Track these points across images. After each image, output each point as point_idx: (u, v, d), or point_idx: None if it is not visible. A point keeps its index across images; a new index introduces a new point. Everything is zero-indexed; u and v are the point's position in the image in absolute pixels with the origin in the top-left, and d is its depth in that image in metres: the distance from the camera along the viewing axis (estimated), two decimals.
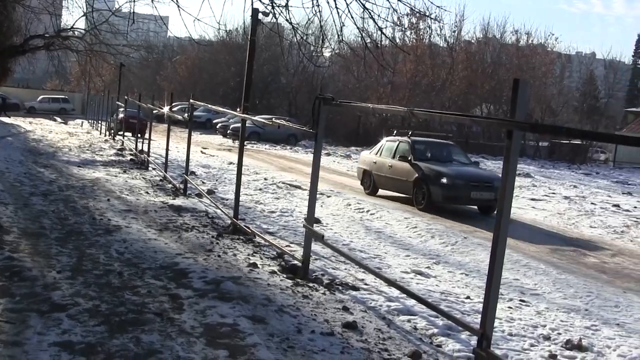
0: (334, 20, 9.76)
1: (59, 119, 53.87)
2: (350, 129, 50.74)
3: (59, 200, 12.41)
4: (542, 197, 22.62)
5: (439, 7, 10.75)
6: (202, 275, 7.66)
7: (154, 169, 19.50)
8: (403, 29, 44.27)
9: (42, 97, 70.85)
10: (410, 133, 20.16)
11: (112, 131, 34.91)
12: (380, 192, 19.56)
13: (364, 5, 9.72)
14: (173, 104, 26.64)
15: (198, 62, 69.05)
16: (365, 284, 8.38)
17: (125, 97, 31.18)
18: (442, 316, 6.66)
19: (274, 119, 14.91)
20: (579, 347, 6.88)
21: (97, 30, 28.28)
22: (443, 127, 47.74)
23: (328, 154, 35.68)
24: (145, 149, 21.91)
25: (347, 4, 9.58)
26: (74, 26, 33.97)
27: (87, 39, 32.12)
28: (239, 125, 12.70)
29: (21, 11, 30.48)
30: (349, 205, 16.19)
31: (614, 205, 21.34)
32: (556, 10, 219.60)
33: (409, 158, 18.17)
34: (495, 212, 5.52)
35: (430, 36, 55.49)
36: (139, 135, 25.56)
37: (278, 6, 9.90)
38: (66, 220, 10.44)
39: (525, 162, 40.91)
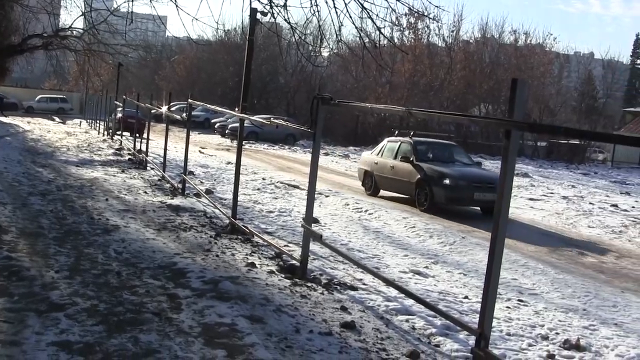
0: (332, 20, 9.77)
1: (57, 119, 53.85)
2: (348, 129, 50.72)
3: (57, 199, 12.41)
4: (540, 197, 22.62)
5: (437, 7, 10.81)
6: (200, 275, 7.66)
7: (152, 168, 19.49)
8: (401, 28, 44.22)
9: (40, 96, 70.80)
10: (412, 133, 20.00)
11: (111, 131, 34.90)
12: (382, 192, 19.42)
13: (362, 5, 9.73)
14: (171, 104, 26.61)
15: (196, 61, 69.04)
16: (364, 284, 8.38)
17: (124, 96, 31.15)
18: (440, 316, 6.66)
19: (272, 119, 14.90)
20: (577, 347, 6.88)
21: (96, 29, 28.29)
22: (441, 127, 47.76)
23: (326, 154, 35.68)
24: (144, 148, 21.90)
25: (345, 3, 9.59)
26: (72, 26, 34.03)
27: (85, 39, 32.12)
28: (237, 125, 12.71)
29: (19, 10, 30.48)
30: (347, 205, 16.19)
31: (612, 205, 21.34)
32: (554, 10, 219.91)
33: (411, 159, 18.01)
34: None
35: (428, 36, 55.55)
36: (137, 134, 25.53)
37: (276, 6, 9.92)
38: (64, 220, 10.43)
39: (524, 162, 40.93)
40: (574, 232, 15.87)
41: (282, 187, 18.46)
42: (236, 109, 12.74)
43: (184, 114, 18.08)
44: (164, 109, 19.12)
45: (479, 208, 17.47)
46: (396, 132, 22.64)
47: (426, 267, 10.35)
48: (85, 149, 25.13)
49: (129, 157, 22.97)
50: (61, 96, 72.90)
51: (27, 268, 7.33)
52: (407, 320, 7.02)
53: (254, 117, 14.46)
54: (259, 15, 11.22)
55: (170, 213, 12.16)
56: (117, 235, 9.63)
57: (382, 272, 9.11)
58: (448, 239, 12.98)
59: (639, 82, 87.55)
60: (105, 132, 35.93)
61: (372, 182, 19.65)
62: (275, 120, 14.46)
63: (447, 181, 16.74)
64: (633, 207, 21.62)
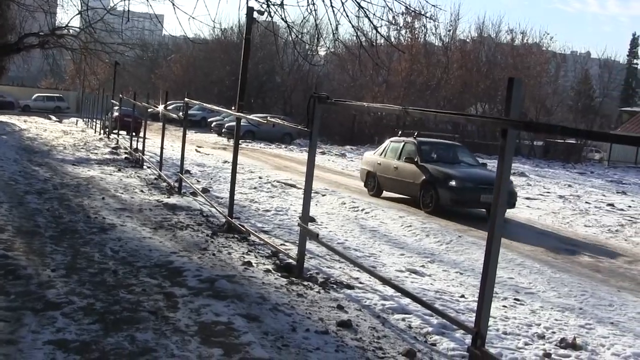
0: (329, 19, 9.76)
1: (53, 118, 53.83)
2: (345, 128, 50.71)
3: (54, 198, 12.39)
4: (536, 196, 22.66)
5: (434, 6, 10.85)
6: (196, 273, 7.66)
7: (148, 167, 19.48)
8: (398, 27, 44.18)
9: (36, 95, 70.81)
10: (416, 134, 19.65)
11: (107, 130, 34.87)
12: (385, 193, 19.12)
13: (359, 4, 9.73)
14: (168, 103, 26.55)
15: (193, 60, 68.92)
16: (360, 283, 8.39)
17: (120, 95, 31.14)
18: (436, 315, 6.67)
19: (268, 118, 14.88)
20: (573, 346, 6.90)
21: (92, 28, 28.21)
22: (438, 127, 47.77)
23: (323, 153, 35.67)
24: (140, 147, 21.88)
25: (342, 2, 9.59)
26: (69, 24, 33.87)
27: (82, 38, 32.02)
28: (234, 123, 12.70)
29: (16, 9, 30.39)
30: (344, 204, 16.20)
31: (609, 205, 21.40)
32: (551, 9, 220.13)
33: (416, 159, 17.71)
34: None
35: (425, 35, 55.48)
36: (134, 133, 25.53)
37: (273, 4, 9.90)
38: (61, 219, 10.42)
39: (520, 161, 40.95)
40: (570, 232, 15.89)
41: (278, 186, 18.46)
42: (233, 108, 12.71)
43: (181, 113, 18.09)
44: (161, 107, 19.12)
45: (484, 210, 17.11)
46: (400, 132, 22.30)
47: (422, 266, 10.36)
48: (82, 148, 25.11)
49: (126, 155, 22.94)
50: (58, 95, 72.88)
51: (23, 267, 7.33)
52: (403, 319, 7.03)
53: (251, 116, 14.47)
54: (255, 14, 11.21)
55: (166, 212, 12.15)
56: (114, 234, 9.63)
57: (378, 271, 9.11)
58: (444, 238, 13.00)
59: (636, 82, 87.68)
60: (102, 131, 35.91)
61: (375, 183, 19.33)
62: (272, 119, 14.46)
63: (453, 183, 16.44)
64: (629, 206, 21.68)
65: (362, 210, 15.47)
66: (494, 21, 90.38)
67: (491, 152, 43.16)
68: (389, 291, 7.86)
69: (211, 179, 18.96)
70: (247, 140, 40.08)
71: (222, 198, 14.69)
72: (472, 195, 16.31)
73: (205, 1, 12.25)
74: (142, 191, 14.64)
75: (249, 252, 9.37)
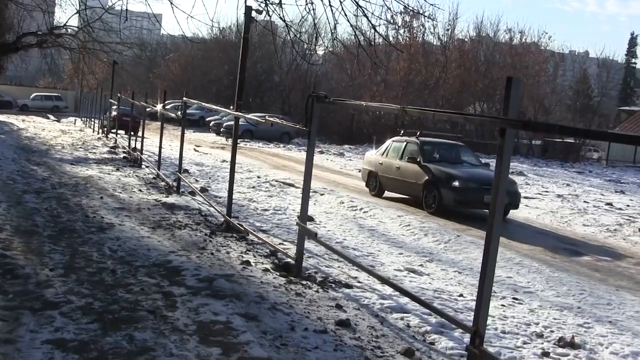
0: (327, 18, 9.79)
1: (51, 117, 53.81)
2: (343, 127, 50.73)
3: (52, 198, 12.39)
4: (535, 195, 22.67)
5: (432, 5, 10.77)
6: (195, 273, 7.66)
7: (147, 166, 19.47)
8: (396, 27, 44.20)
9: (35, 94, 70.71)
10: (418, 133, 19.42)
11: (105, 129, 34.85)
12: (387, 194, 18.94)
13: (357, 3, 9.73)
14: (166, 102, 26.52)
15: (191, 60, 68.87)
16: (359, 282, 8.39)
17: (119, 94, 31.14)
18: (435, 314, 6.67)
19: (267, 117, 14.87)
20: (572, 345, 6.90)
21: (90, 27, 28.25)
22: (436, 126, 47.74)
23: (321, 152, 35.68)
24: (138, 146, 21.88)
25: (340, 1, 9.59)
26: (67, 24, 33.88)
27: (80, 37, 32.03)
28: (232, 123, 12.71)
29: (14, 8, 30.37)
30: (342, 203, 16.19)
31: (607, 204, 21.41)
32: (550, 8, 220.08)
33: (418, 159, 17.47)
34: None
35: (423, 34, 55.47)
36: (132, 133, 25.52)
37: (271, 4, 9.90)
38: (59, 218, 10.42)
39: (519, 161, 40.96)
40: (568, 231, 15.90)
41: (277, 186, 18.45)
42: (231, 107, 12.71)
43: (179, 112, 18.07)
44: (159, 107, 19.13)
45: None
46: (402, 132, 21.96)
47: (421, 265, 10.36)
48: (80, 147, 25.09)
49: (124, 155, 22.93)
50: (56, 94, 72.81)
51: (21, 266, 7.32)
52: (402, 318, 7.03)
53: (249, 116, 14.46)
54: (254, 14, 11.20)
55: (165, 211, 12.15)
56: (112, 233, 9.62)
57: (377, 270, 9.12)
58: (443, 237, 13.00)
59: (634, 81, 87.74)
60: (100, 130, 35.89)
61: (377, 183, 19.13)
62: (270, 119, 14.45)
63: (456, 183, 16.22)
64: (628, 205, 21.69)
65: (361, 209, 15.47)
66: (492, 20, 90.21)
67: (490, 151, 43.15)
68: (388, 290, 7.86)
69: (209, 178, 18.95)
70: (246, 140, 40.07)
71: (220, 197, 14.69)
72: (475, 196, 16.10)
73: (203, 0, 12.22)
74: (140, 190, 14.63)
75: (247, 252, 9.37)
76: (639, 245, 14.63)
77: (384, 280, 7.62)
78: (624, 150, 51.63)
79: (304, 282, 7.94)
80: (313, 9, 10.02)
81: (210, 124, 48.42)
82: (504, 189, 5.22)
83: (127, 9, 11.26)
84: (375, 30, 10.45)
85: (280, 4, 9.85)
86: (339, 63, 56.80)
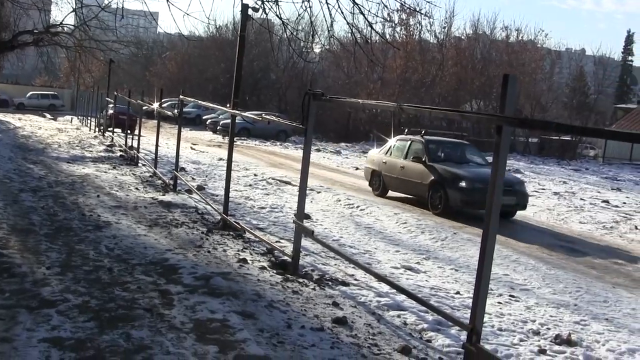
0: (324, 16, 9.75)
1: (48, 115, 53.67)
2: (340, 125, 50.73)
3: (49, 196, 12.37)
4: (531, 193, 22.63)
5: (429, 2, 10.75)
6: (192, 271, 7.65)
7: (143, 165, 19.46)
8: (393, 24, 44.15)
9: (31, 93, 70.62)
10: (423, 132, 19.08)
11: (102, 127, 34.83)
12: (390, 193, 18.65)
13: (354, 1, 9.73)
14: (163, 100, 26.41)
15: (188, 58, 68.80)
16: (355, 280, 8.39)
17: (115, 93, 31.07)
18: (431, 311, 6.68)
19: (263, 115, 14.87)
20: (568, 342, 6.91)
21: (87, 26, 28.19)
22: (433, 123, 47.76)
23: (318, 150, 35.69)
24: (135, 145, 21.86)
25: None
26: (63, 22, 33.91)
27: (76, 35, 31.96)
28: (229, 121, 12.70)
29: (9, 7, 30.30)
30: (339, 201, 16.20)
31: (604, 201, 21.42)
32: (547, 6, 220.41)
33: (423, 159, 17.14)
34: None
35: (420, 32, 55.43)
36: (129, 131, 25.48)
37: (268, 1, 9.89)
38: (56, 217, 10.41)
39: (515, 158, 40.98)
40: (565, 228, 15.92)
41: (273, 183, 18.45)
42: (227, 105, 12.69)
43: (176, 111, 18.03)
44: (155, 105, 19.07)
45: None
46: (406, 131, 21.47)
47: (418, 262, 10.37)
48: (77, 146, 25.07)
49: (121, 153, 22.92)
50: (52, 93, 72.72)
51: (18, 264, 7.32)
52: (398, 316, 7.04)
53: (246, 114, 14.46)
54: (250, 11, 11.20)
55: (161, 209, 12.14)
56: (109, 231, 9.62)
57: (373, 267, 9.12)
58: (439, 234, 13.01)
59: (630, 79, 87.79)
60: (97, 129, 35.83)
61: (380, 183, 18.78)
62: (267, 117, 14.44)
63: (463, 184, 15.87)
64: (624, 203, 21.71)
65: (357, 207, 15.47)
66: (489, 18, 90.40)
67: (486, 149, 43.14)
68: (384, 288, 7.87)
69: (206, 176, 18.95)
70: (242, 138, 40.05)
71: (217, 195, 14.69)
72: (482, 197, 15.57)
73: None
74: (137, 189, 14.62)
75: (244, 250, 9.37)
76: (636, 243, 14.66)
77: (381, 278, 7.63)
78: (620, 147, 51.63)
79: (300, 280, 7.95)
80: (309, 7, 10.06)
81: (207, 122, 48.42)
82: (501, 186, 5.22)
83: (123, 7, 11.28)
84: (372, 27, 10.45)
85: (276, 1, 9.86)
86: (336, 61, 56.77)
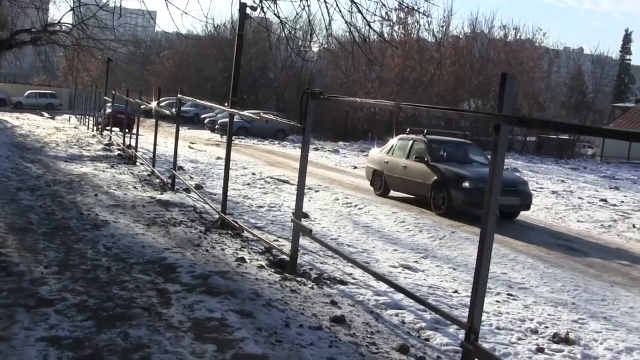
0: (322, 15, 9.75)
1: (46, 114, 53.63)
2: (338, 124, 50.71)
3: (46, 195, 12.36)
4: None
5: (427, 1, 10.78)
6: (190, 269, 7.65)
7: (141, 164, 19.44)
8: (391, 23, 44.30)
9: (29, 92, 70.57)
10: (425, 131, 18.86)
11: (100, 126, 34.82)
12: (392, 193, 18.48)
13: (352, 0, 9.73)
14: (161, 99, 26.37)
15: (186, 57, 68.77)
16: (354, 278, 8.39)
17: (113, 92, 31.02)
18: (430, 310, 6.67)
19: (261, 114, 14.88)
20: (566, 341, 6.92)
21: (85, 24, 28.13)
22: (431, 122, 47.76)
23: (316, 149, 35.68)
24: (133, 144, 21.85)
25: None
26: (61, 21, 33.81)
27: (74, 34, 31.94)
28: (227, 120, 12.68)
29: (7, 5, 30.26)
30: (337, 199, 16.19)
31: (601, 200, 21.45)
32: (545, 5, 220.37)
33: (426, 159, 16.95)
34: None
35: (418, 31, 55.46)
36: (127, 130, 25.48)
37: (266, 0, 9.89)
38: (53, 216, 10.40)
39: (513, 157, 41.00)
40: (563, 227, 15.92)
41: (271, 182, 18.45)
42: (226, 104, 12.70)
43: (174, 109, 18.04)
44: (153, 104, 19.06)
45: (498, 212, 16.25)
46: (408, 130, 21.15)
47: (416, 261, 10.37)
48: (75, 145, 25.05)
49: (118, 152, 22.90)
50: (50, 91, 72.69)
51: (16, 263, 7.31)
52: (396, 315, 7.04)
53: (244, 112, 14.45)
54: (248, 10, 11.19)
55: (159, 208, 12.14)
56: (107, 230, 9.61)
57: (371, 266, 9.12)
58: (438, 233, 13.01)
59: (628, 77, 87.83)
60: (95, 128, 35.83)
61: (382, 182, 18.60)
62: (265, 116, 14.45)
63: (466, 184, 15.65)
64: (622, 201, 21.73)
65: (355, 206, 15.47)
66: (487, 17, 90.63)
67: (484, 147, 43.10)
68: (383, 287, 7.87)
69: (204, 175, 18.94)
70: (240, 137, 40.07)
71: (215, 194, 14.67)
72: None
73: None
74: (135, 188, 14.61)
75: (242, 248, 9.37)
76: (633, 241, 14.67)
77: (379, 277, 7.63)
78: (618, 146, 51.64)
79: (298, 279, 7.95)
80: (307, 6, 10.04)
81: (205, 121, 48.39)
82: (499, 184, 5.23)
83: (121, 6, 11.27)
84: (370, 26, 10.46)
85: (274, 0, 9.85)
86: (334, 60, 56.78)
